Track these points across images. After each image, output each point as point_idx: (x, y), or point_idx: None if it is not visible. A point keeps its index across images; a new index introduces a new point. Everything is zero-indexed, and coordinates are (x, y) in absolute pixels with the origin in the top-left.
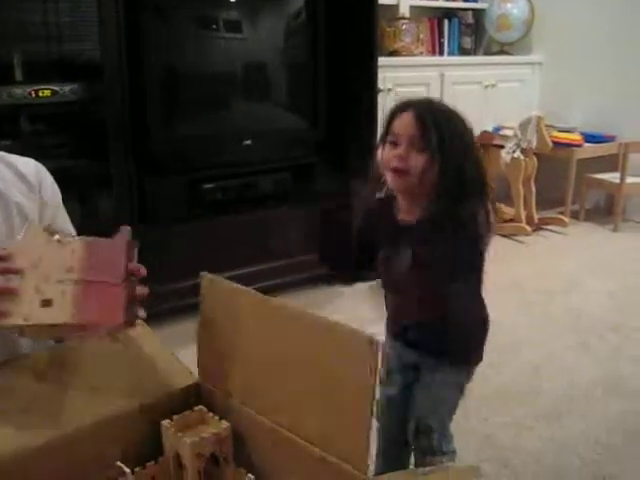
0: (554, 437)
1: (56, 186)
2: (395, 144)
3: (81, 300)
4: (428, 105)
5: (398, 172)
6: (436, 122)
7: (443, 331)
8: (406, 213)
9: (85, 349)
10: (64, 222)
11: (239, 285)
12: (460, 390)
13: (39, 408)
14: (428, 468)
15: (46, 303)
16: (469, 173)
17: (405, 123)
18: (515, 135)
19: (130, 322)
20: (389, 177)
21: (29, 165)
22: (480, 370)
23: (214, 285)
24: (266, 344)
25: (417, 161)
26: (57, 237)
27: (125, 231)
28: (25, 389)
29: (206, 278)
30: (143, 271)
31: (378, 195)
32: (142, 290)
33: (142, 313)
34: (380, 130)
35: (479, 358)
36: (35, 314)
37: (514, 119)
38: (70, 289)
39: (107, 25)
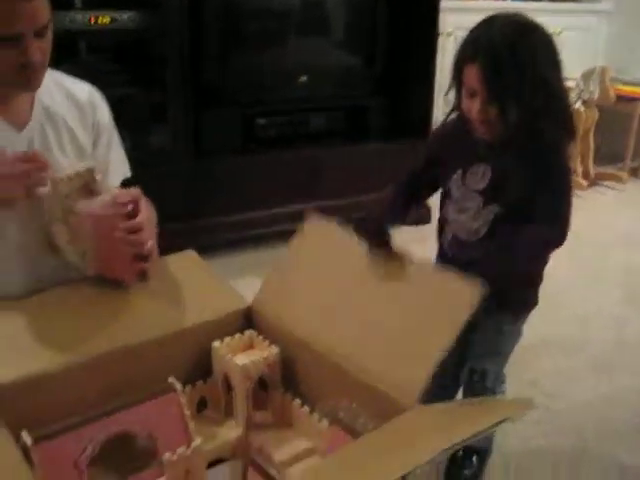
0: (600, 388)
1: (110, 112)
2: (472, 95)
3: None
4: (492, 49)
5: (482, 124)
6: (502, 70)
7: (505, 271)
8: (493, 133)
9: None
10: (117, 149)
11: (342, 226)
12: (518, 334)
13: (94, 324)
14: (477, 399)
15: None
16: (546, 109)
17: (473, 77)
18: (577, 86)
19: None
20: (475, 126)
21: (83, 90)
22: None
23: (316, 222)
24: (350, 278)
25: (494, 113)
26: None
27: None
28: (81, 307)
29: (309, 212)
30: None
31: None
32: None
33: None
34: (438, 74)
35: (536, 302)
36: None
37: (577, 69)
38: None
39: None
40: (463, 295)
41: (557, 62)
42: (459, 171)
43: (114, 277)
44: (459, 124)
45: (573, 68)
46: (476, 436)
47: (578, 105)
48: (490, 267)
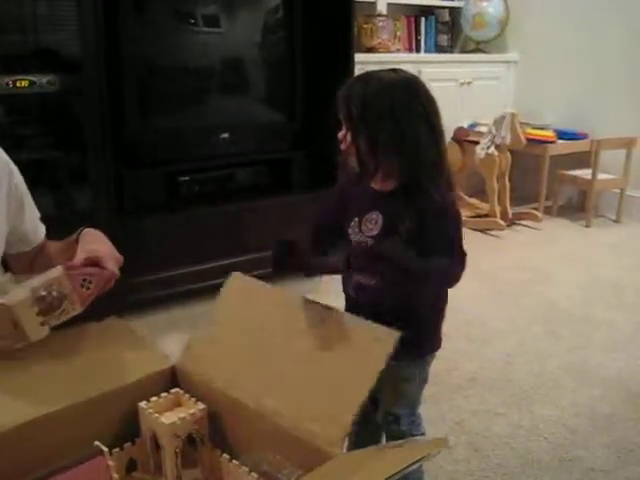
0: (523, 422)
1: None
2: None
3: None
4: (353, 82)
5: (344, 151)
6: (354, 97)
7: (400, 316)
8: (382, 184)
9: (64, 336)
10: (32, 210)
11: (265, 283)
12: (423, 378)
13: (16, 389)
14: (397, 442)
15: None
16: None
17: (343, 117)
18: (490, 132)
19: None
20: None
21: None
22: (450, 358)
23: (238, 280)
24: (271, 333)
25: (347, 139)
26: None
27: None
28: (4, 370)
29: (234, 275)
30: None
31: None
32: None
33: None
34: None
35: (438, 345)
36: None
37: (489, 116)
38: None
39: (85, 17)
40: (379, 344)
41: (425, 118)
42: (356, 219)
43: None
44: (357, 175)
45: (485, 115)
46: (394, 477)
47: (491, 150)
48: (385, 312)
